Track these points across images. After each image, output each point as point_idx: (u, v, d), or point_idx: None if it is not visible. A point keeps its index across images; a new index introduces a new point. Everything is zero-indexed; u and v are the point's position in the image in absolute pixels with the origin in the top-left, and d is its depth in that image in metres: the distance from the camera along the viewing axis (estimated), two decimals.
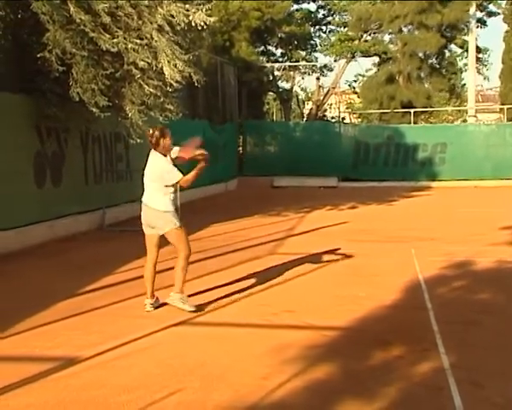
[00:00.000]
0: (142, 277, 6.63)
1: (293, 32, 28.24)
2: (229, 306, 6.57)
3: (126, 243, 10.84)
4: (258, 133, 24.98)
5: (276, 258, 9.15)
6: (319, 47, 32.52)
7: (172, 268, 6.56)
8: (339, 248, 9.61)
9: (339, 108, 28.93)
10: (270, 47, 30.20)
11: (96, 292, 7.22)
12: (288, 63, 30.68)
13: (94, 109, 9.66)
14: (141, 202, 6.40)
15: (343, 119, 29.72)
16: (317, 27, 32.56)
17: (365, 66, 75.64)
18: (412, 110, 25.26)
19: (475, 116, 28.05)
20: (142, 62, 9.49)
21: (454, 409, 4.05)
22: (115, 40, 9.25)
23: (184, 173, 6.22)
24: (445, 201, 17.96)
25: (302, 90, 39.22)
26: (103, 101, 9.55)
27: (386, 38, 29.77)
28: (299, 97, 37.67)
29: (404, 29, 27.72)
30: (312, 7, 31.79)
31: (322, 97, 32.55)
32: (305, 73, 33.56)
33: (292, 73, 32.30)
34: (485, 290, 7.10)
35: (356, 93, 35.63)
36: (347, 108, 36.89)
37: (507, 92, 27.06)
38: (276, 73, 30.39)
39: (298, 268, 8.29)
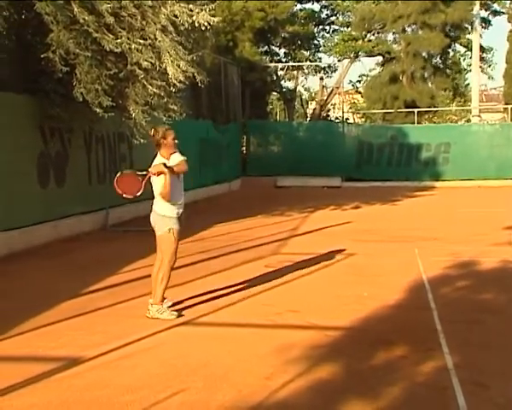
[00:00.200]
0: (145, 277, 6.64)
1: (296, 32, 28.22)
2: (233, 306, 6.56)
3: (130, 243, 10.85)
4: (262, 133, 24.97)
5: (279, 258, 9.15)
6: (322, 47, 32.51)
7: (178, 268, 6.55)
8: (342, 249, 9.60)
9: (342, 108, 28.89)
10: (273, 47, 30.20)
11: (100, 292, 7.23)
12: (291, 63, 30.67)
13: (97, 109, 9.68)
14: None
15: (346, 119, 29.70)
16: (321, 27, 32.51)
17: (369, 66, 75.56)
18: (416, 110, 25.22)
19: (479, 116, 28.01)
20: (145, 62, 9.50)
21: (457, 409, 4.04)
22: (119, 40, 9.26)
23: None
24: (448, 201, 17.93)
25: (306, 90, 39.18)
26: (107, 101, 9.56)
27: (390, 37, 29.75)
28: (303, 97, 37.60)
29: (408, 29, 27.70)
30: (316, 7, 31.76)
31: (325, 97, 32.53)
32: (308, 73, 33.57)
33: (295, 72, 32.29)
34: (489, 290, 7.09)
35: (359, 93, 35.59)
36: (351, 108, 36.86)
37: (511, 92, 27.01)
38: (279, 72, 30.39)
39: (301, 268, 8.29)
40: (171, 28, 9.61)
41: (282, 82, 31.96)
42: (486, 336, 5.51)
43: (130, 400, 4.21)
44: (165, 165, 6.00)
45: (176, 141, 6.20)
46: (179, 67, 9.58)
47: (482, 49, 29.32)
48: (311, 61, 32.07)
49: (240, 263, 8.78)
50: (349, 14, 30.85)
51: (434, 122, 29.96)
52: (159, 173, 6.02)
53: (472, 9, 26.38)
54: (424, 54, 27.46)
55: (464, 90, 33.69)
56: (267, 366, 4.77)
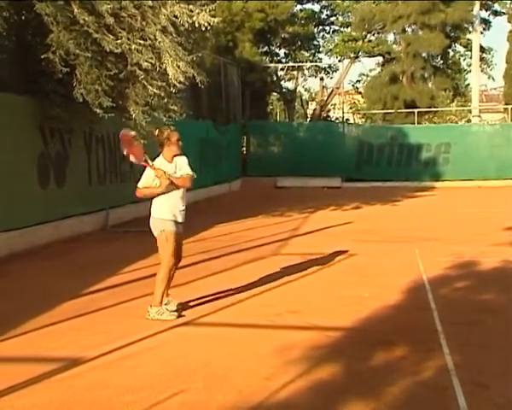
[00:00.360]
0: (145, 277, 6.65)
1: (296, 33, 28.24)
2: (233, 306, 6.57)
3: (130, 243, 10.86)
4: (262, 134, 24.98)
5: (280, 258, 9.16)
6: (323, 47, 32.53)
7: (180, 268, 6.55)
8: (343, 249, 9.60)
9: (342, 108, 28.90)
10: (273, 47, 30.21)
11: (101, 293, 7.24)
12: (291, 64, 30.67)
13: (98, 110, 9.68)
14: None
15: (347, 119, 29.70)
16: (321, 28, 32.54)
17: (369, 66, 75.53)
18: (416, 110, 25.23)
19: (479, 116, 28.01)
20: (145, 63, 9.50)
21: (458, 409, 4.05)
22: (119, 41, 9.26)
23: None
24: (448, 201, 17.94)
25: (306, 90, 39.21)
26: (107, 102, 9.56)
27: (390, 38, 29.78)
28: (303, 98, 37.62)
29: (408, 29, 27.70)
30: (316, 7, 31.72)
31: (325, 98, 32.53)
32: (309, 74, 33.60)
33: (295, 73, 32.29)
34: (489, 291, 7.10)
35: (359, 93, 35.61)
36: (351, 109, 36.85)
37: (511, 92, 27.01)
38: (279, 73, 30.39)
39: (302, 268, 8.29)
40: (171, 29, 9.62)
41: (282, 82, 32.01)
42: (487, 337, 5.52)
43: (131, 400, 4.21)
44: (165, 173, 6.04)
45: (180, 142, 6.21)
46: (179, 67, 9.58)
47: (482, 49, 29.32)
48: (311, 62, 32.08)
49: (241, 263, 8.79)
50: (349, 14, 30.85)
51: (434, 122, 29.97)
52: (158, 176, 6.06)
53: (472, 10, 26.38)
54: (424, 54, 27.46)
55: (464, 91, 33.70)
56: (267, 367, 4.77)
